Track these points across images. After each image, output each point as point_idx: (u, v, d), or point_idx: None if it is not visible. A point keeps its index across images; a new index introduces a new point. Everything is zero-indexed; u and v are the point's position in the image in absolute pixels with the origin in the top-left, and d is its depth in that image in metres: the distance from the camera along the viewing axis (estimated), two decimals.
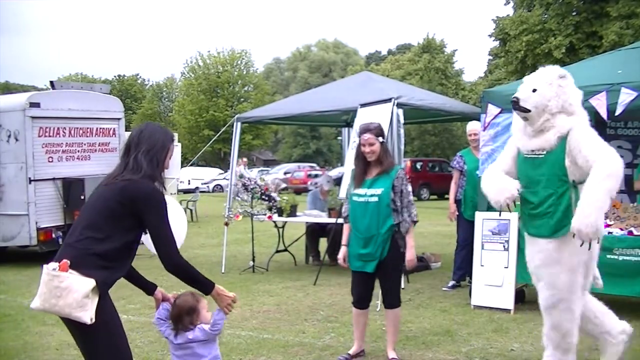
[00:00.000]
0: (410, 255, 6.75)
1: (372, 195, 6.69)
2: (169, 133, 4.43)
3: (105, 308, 3.98)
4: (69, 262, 3.86)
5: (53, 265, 3.88)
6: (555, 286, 5.77)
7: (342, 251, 6.98)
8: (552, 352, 5.98)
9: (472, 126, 10.67)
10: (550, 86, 5.78)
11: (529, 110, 5.75)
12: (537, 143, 5.82)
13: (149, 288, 4.58)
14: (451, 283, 10.64)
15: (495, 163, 6.44)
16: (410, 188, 6.83)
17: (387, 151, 6.91)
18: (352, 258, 6.86)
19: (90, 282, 3.84)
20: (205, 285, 4.27)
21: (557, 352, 5.95)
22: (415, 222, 6.79)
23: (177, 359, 4.44)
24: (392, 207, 6.66)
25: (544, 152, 5.78)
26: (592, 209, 5.31)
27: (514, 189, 5.94)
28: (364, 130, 6.77)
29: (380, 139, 6.76)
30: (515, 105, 5.79)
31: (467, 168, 10.55)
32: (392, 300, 6.90)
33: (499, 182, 6.11)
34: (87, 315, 3.82)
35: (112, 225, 4.02)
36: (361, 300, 6.98)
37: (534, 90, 5.78)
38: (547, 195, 5.78)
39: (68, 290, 3.81)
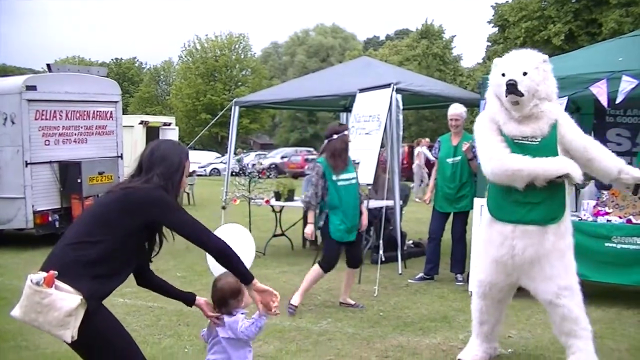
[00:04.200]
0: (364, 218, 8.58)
1: (353, 178, 8.28)
2: (184, 150, 4.18)
3: (96, 321, 3.73)
4: (56, 272, 3.62)
5: (37, 277, 3.61)
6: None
7: (311, 229, 8.51)
8: (573, 343, 5.93)
9: (454, 110, 9.91)
10: (537, 70, 5.70)
11: (523, 95, 5.62)
12: (530, 129, 5.71)
13: (187, 299, 4.38)
14: (419, 275, 10.21)
15: (500, 148, 5.84)
16: None
17: None
18: (340, 232, 8.16)
19: (75, 300, 3.59)
20: (246, 275, 4.01)
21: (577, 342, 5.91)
22: None
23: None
24: None
25: (538, 139, 5.69)
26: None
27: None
28: (346, 128, 8.54)
29: None
30: (513, 88, 5.59)
31: (440, 155, 10.06)
32: (358, 263, 8.73)
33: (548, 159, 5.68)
34: (68, 334, 3.59)
35: (106, 230, 3.78)
36: (333, 266, 8.32)
37: (525, 74, 5.65)
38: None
39: (49, 307, 3.57)
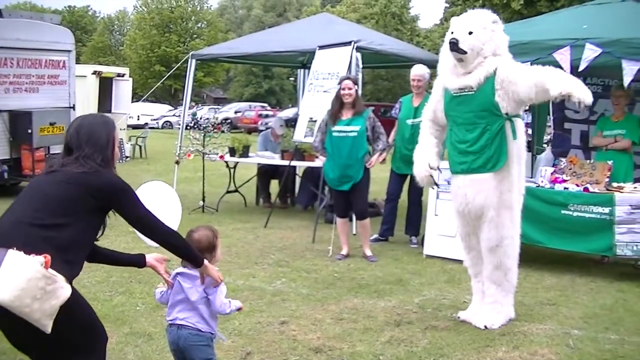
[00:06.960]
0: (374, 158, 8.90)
1: (351, 131, 8.70)
2: (110, 122, 3.92)
3: (76, 309, 3.50)
4: (48, 256, 3.23)
5: (40, 260, 3.19)
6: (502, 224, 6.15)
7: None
8: (494, 292, 6.30)
9: (417, 70, 9.80)
10: (485, 30, 6.05)
11: (466, 52, 6.01)
12: (465, 81, 6.09)
13: (138, 262, 4.19)
14: (373, 236, 10.03)
15: (424, 117, 6.71)
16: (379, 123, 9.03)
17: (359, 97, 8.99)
18: (329, 179, 9.02)
19: (69, 288, 3.31)
20: (197, 259, 3.98)
21: (498, 293, 6.31)
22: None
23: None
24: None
25: (475, 88, 6.05)
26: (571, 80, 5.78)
27: (426, 169, 6.48)
28: (345, 77, 9.01)
29: (356, 87, 8.87)
30: (454, 46, 6.01)
31: (400, 116, 10.00)
32: (363, 213, 9.08)
33: (420, 156, 6.59)
34: (51, 324, 3.25)
35: (71, 213, 3.51)
36: (344, 212, 9.12)
37: (470, 33, 6.01)
38: (481, 131, 6.07)
39: (51, 295, 3.21)
